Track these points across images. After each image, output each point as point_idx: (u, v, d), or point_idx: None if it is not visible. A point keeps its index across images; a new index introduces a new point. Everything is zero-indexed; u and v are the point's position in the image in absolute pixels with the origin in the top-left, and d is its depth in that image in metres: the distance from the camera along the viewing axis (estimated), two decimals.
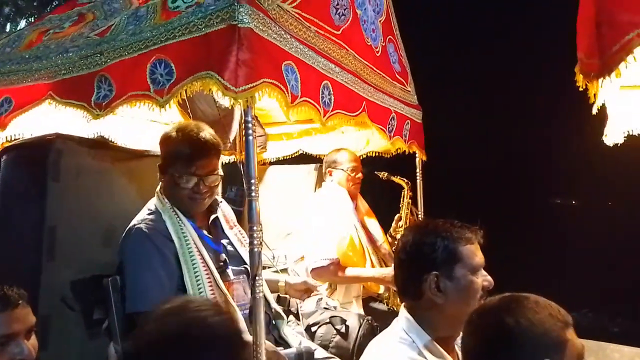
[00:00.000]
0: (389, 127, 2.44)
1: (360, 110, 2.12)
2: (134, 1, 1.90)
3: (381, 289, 2.82)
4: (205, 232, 1.89)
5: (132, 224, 1.79)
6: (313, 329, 2.32)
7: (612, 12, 1.12)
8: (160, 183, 1.90)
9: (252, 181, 1.50)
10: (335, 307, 2.51)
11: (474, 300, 1.29)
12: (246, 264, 1.91)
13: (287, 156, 3.34)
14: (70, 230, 1.91)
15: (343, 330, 2.27)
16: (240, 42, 1.44)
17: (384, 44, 2.45)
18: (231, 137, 2.58)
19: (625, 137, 1.88)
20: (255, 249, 1.50)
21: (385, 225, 3.08)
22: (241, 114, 2.08)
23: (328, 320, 2.32)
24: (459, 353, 1.35)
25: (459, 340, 1.36)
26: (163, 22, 1.62)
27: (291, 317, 2.35)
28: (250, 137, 1.51)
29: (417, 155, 2.92)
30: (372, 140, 3.08)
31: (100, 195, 2.03)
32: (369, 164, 3.09)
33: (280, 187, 3.19)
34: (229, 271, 1.84)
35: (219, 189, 2.18)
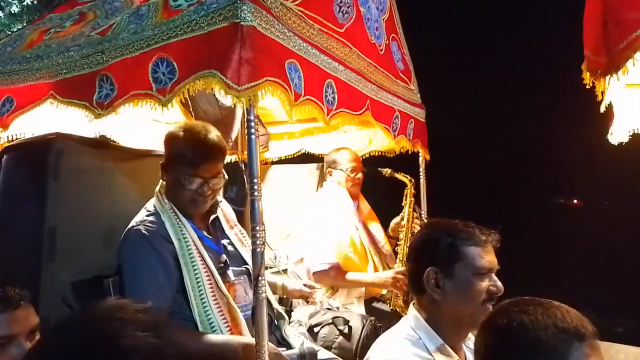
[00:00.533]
0: (393, 126, 2.43)
1: (364, 109, 2.10)
2: (135, 0, 1.89)
3: (383, 290, 2.81)
4: (205, 232, 1.88)
5: (130, 225, 1.78)
6: (315, 329, 2.31)
7: (618, 9, 1.11)
8: (161, 182, 1.89)
9: (255, 180, 1.49)
10: (337, 308, 2.50)
11: (475, 302, 1.28)
12: (247, 264, 1.90)
13: (288, 156, 3.33)
14: (71, 231, 1.89)
15: (346, 331, 2.26)
16: (243, 40, 1.43)
17: (387, 42, 2.44)
18: (233, 137, 2.57)
19: (630, 135, 1.86)
20: (258, 249, 1.49)
21: (387, 225, 3.07)
22: (243, 113, 2.07)
23: (331, 321, 2.31)
24: (467, 354, 1.34)
25: (470, 343, 1.36)
26: (165, 20, 1.61)
27: (294, 317, 2.35)
28: (253, 136, 1.50)
29: (420, 154, 2.91)
30: (375, 139, 3.07)
31: (101, 195, 2.02)
32: (372, 163, 3.07)
33: (282, 187, 3.18)
34: (230, 272, 1.83)
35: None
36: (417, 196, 2.95)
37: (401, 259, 2.78)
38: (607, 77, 1.13)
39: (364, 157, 3.05)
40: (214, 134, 1.82)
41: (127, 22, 1.74)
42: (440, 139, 3.43)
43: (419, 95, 2.85)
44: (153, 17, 1.66)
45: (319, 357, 1.89)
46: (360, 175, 2.88)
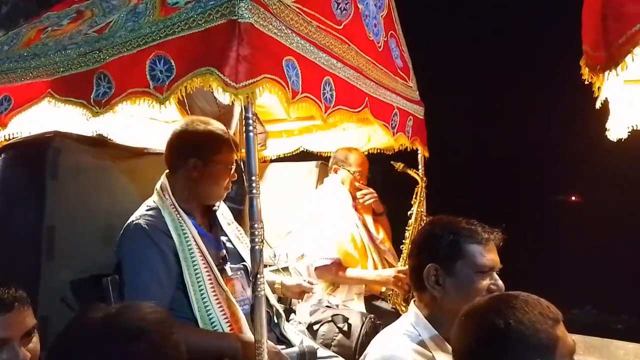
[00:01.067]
0: (392, 124, 2.42)
1: (362, 107, 2.10)
2: None
3: (383, 288, 2.81)
4: (204, 229, 1.88)
5: (129, 220, 1.78)
6: (315, 327, 2.31)
7: (618, 4, 1.11)
8: (162, 179, 1.88)
9: (253, 178, 1.49)
10: (337, 305, 2.50)
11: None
12: (244, 262, 1.90)
13: (287, 153, 3.32)
14: (69, 229, 1.90)
15: (345, 328, 2.26)
16: (241, 37, 1.42)
17: (385, 39, 2.43)
18: (231, 135, 2.57)
19: (629, 132, 1.86)
20: (257, 247, 1.48)
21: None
22: (241, 110, 2.07)
23: (330, 319, 2.31)
24: None
25: None
26: (162, 18, 1.60)
27: (293, 315, 2.35)
28: (251, 134, 1.50)
29: (419, 152, 2.90)
30: (374, 136, 3.06)
31: (99, 193, 2.02)
32: (370, 160, 3.06)
33: (280, 185, 3.18)
34: (227, 267, 1.84)
35: None
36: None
37: (405, 257, 2.78)
38: (606, 73, 1.12)
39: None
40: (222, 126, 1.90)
41: (125, 20, 1.73)
42: (440, 137, 3.42)
43: (417, 92, 2.84)
44: (150, 15, 1.66)
45: (318, 355, 1.89)
46: (363, 181, 2.88)
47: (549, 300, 1.02)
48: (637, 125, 1.86)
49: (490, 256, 1.31)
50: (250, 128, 1.50)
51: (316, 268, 2.60)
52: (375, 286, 2.76)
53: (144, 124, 2.61)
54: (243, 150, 1.58)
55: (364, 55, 2.14)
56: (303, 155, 3.37)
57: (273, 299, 2.01)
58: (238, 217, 2.24)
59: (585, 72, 1.22)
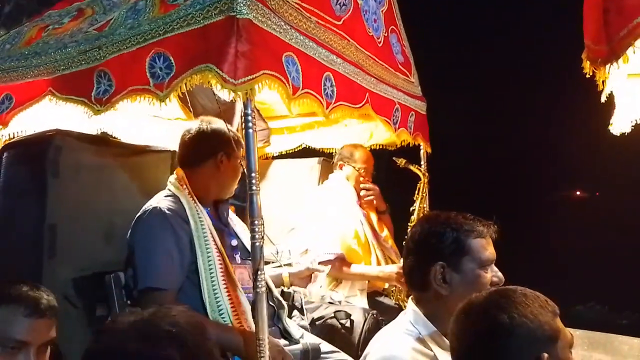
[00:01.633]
0: (393, 119, 2.41)
1: (363, 102, 2.09)
2: None
3: (385, 284, 2.81)
4: (216, 220, 1.95)
5: (149, 204, 1.82)
6: (317, 323, 2.31)
7: None
8: (179, 173, 1.91)
9: (253, 175, 1.49)
10: (339, 302, 2.50)
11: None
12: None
13: (289, 150, 3.32)
14: (71, 227, 1.90)
15: (348, 324, 2.26)
16: (239, 33, 1.42)
17: (386, 35, 2.42)
18: (232, 133, 2.56)
19: (632, 126, 1.84)
20: (257, 243, 1.49)
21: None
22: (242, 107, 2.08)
23: (333, 315, 2.31)
24: None
25: None
26: (161, 15, 1.60)
27: (295, 311, 2.35)
28: (250, 131, 1.50)
29: (421, 147, 2.89)
30: (376, 132, 3.05)
31: (100, 191, 2.03)
32: (376, 156, 3.05)
33: (283, 182, 3.17)
34: (237, 256, 1.90)
35: None
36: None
37: None
38: (608, 66, 1.11)
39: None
40: None
41: (124, 17, 1.73)
42: (441, 135, 3.41)
43: (419, 87, 2.82)
44: (150, 12, 1.66)
45: (321, 350, 1.90)
46: (368, 178, 2.88)
47: (553, 296, 1.02)
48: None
49: (490, 249, 1.31)
50: (250, 125, 1.49)
51: (319, 263, 2.60)
52: (377, 283, 2.76)
53: (147, 121, 2.61)
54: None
55: (363, 50, 2.13)
56: (305, 152, 3.36)
57: (277, 293, 2.03)
58: (242, 214, 2.25)
59: (587, 65, 1.21)
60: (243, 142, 2.01)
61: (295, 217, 2.91)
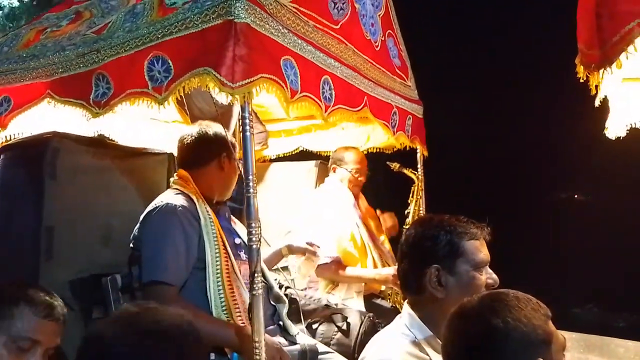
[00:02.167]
0: (391, 122, 2.43)
1: (362, 106, 2.10)
2: None
3: (383, 286, 2.81)
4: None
5: (160, 200, 1.84)
6: (314, 326, 2.31)
7: (612, 2, 1.11)
8: (182, 174, 1.93)
9: (250, 177, 1.50)
10: (336, 304, 2.50)
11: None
12: None
13: (287, 153, 3.32)
14: (68, 230, 1.90)
15: (344, 327, 2.26)
16: (237, 37, 1.43)
17: (383, 39, 2.43)
18: (230, 136, 2.57)
19: (627, 130, 1.85)
20: (254, 246, 1.49)
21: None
22: (239, 110, 2.09)
23: (329, 318, 2.32)
24: None
25: None
26: (159, 18, 1.61)
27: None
28: (248, 134, 1.50)
29: (418, 150, 2.90)
30: (373, 136, 3.06)
31: (98, 193, 2.03)
32: (370, 160, 3.07)
33: (280, 185, 3.18)
34: (242, 253, 1.92)
35: None
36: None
37: None
38: (601, 71, 1.13)
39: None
40: None
41: (123, 20, 1.74)
42: (438, 136, 3.42)
43: (416, 91, 2.84)
44: (148, 16, 1.66)
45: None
46: (362, 178, 2.88)
47: (550, 298, 1.03)
48: (635, 124, 1.85)
49: (484, 251, 1.31)
50: (247, 128, 1.50)
51: (317, 266, 2.61)
52: (374, 285, 2.77)
53: (144, 123, 2.62)
54: (242, 150, 1.59)
55: (361, 54, 2.14)
56: (302, 155, 3.37)
57: (277, 289, 2.04)
58: (239, 216, 2.25)
59: (580, 70, 1.23)
60: (237, 145, 2.05)
61: (292, 220, 2.92)
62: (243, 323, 1.72)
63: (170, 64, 1.53)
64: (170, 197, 1.85)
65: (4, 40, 2.15)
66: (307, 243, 2.27)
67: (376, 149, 3.10)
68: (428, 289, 1.28)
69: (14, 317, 1.17)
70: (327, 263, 2.59)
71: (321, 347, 1.98)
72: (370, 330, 2.24)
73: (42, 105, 1.87)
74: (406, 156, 2.91)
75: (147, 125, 2.64)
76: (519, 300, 0.97)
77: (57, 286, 1.82)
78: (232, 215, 2.11)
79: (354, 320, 2.29)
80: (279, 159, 3.35)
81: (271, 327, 1.90)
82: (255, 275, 1.47)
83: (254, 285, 1.47)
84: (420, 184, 2.90)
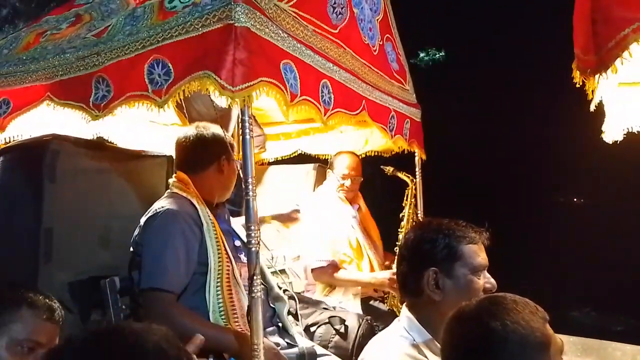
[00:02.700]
0: (389, 126, 2.44)
1: (360, 109, 2.11)
2: (131, 2, 1.90)
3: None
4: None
5: (160, 206, 1.83)
6: (312, 329, 2.32)
7: (607, 8, 1.12)
8: (181, 176, 1.92)
9: (250, 180, 1.50)
10: (334, 307, 2.51)
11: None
12: None
13: (285, 156, 3.33)
14: (67, 232, 1.90)
15: (342, 330, 2.27)
16: (237, 41, 1.44)
17: (381, 43, 2.45)
18: (228, 137, 2.58)
19: (624, 134, 1.87)
20: (253, 249, 1.49)
21: (383, 225, 3.07)
22: (238, 113, 2.10)
23: (327, 320, 2.33)
24: None
25: None
26: (160, 22, 1.62)
27: (290, 317, 2.36)
28: (248, 137, 1.51)
29: (416, 154, 2.92)
30: (371, 139, 3.07)
31: (97, 196, 2.03)
32: (368, 163, 3.08)
33: (279, 187, 3.19)
34: (242, 255, 1.92)
35: None
36: (414, 196, 2.95)
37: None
38: (597, 76, 1.14)
39: (361, 157, 3.05)
40: None
41: (123, 23, 1.74)
42: (437, 138, 3.43)
43: (414, 95, 2.86)
44: (148, 19, 1.67)
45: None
46: (350, 183, 2.86)
47: (547, 302, 1.03)
48: (632, 128, 1.87)
49: (483, 255, 1.32)
50: (247, 131, 1.51)
51: (312, 270, 2.62)
52: (370, 288, 2.78)
53: (143, 126, 2.63)
54: (241, 153, 1.60)
55: (359, 58, 2.16)
56: (301, 158, 3.38)
57: (277, 290, 2.05)
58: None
59: (577, 75, 1.24)
60: (236, 145, 2.06)
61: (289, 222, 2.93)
62: (240, 328, 1.72)
63: (171, 67, 1.54)
64: (170, 202, 1.84)
65: (4, 42, 2.15)
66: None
67: (374, 152, 3.11)
68: (426, 292, 1.29)
69: (15, 319, 1.18)
70: (323, 267, 2.61)
71: (319, 350, 1.99)
72: (368, 333, 2.25)
73: (41, 107, 1.88)
74: (404, 160, 2.92)
75: (146, 128, 2.64)
76: (517, 303, 0.98)
77: (56, 288, 1.83)
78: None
79: (352, 323, 2.30)
80: (277, 161, 3.36)
81: (270, 328, 1.90)
82: (254, 278, 1.48)
83: (253, 288, 1.48)
84: (414, 187, 2.92)
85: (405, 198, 2.93)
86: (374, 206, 3.16)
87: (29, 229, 1.88)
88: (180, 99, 1.58)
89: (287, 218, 2.34)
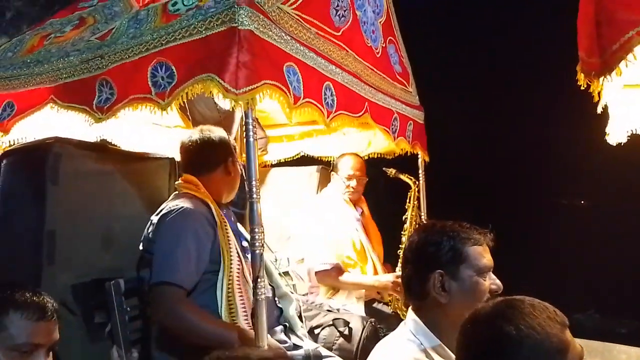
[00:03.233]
0: (392, 128, 2.44)
1: (363, 111, 2.12)
2: (134, 4, 1.90)
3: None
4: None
5: (175, 204, 1.83)
6: (316, 331, 2.32)
7: (611, 11, 1.12)
8: (189, 178, 1.93)
9: (254, 183, 1.51)
10: (337, 309, 2.51)
11: (480, 302, 1.27)
12: None
13: (288, 158, 3.33)
14: (70, 234, 1.91)
15: (346, 332, 2.27)
16: (241, 44, 1.44)
17: (384, 45, 2.45)
18: (231, 140, 2.59)
19: (628, 136, 1.86)
20: (257, 251, 1.50)
21: (386, 228, 3.07)
22: (242, 115, 2.11)
23: (331, 323, 2.32)
24: None
25: None
26: (163, 25, 1.63)
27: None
28: (251, 139, 1.52)
29: (419, 156, 2.91)
30: (374, 141, 3.07)
31: (99, 198, 2.03)
32: (371, 165, 3.08)
33: (281, 189, 3.19)
34: (249, 255, 1.90)
35: None
36: (417, 198, 2.95)
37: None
38: (601, 79, 1.14)
39: (364, 159, 3.05)
40: None
41: (127, 26, 1.75)
42: (439, 139, 3.42)
43: (417, 97, 2.86)
44: (152, 22, 1.68)
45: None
46: (355, 184, 2.86)
47: (551, 304, 0.99)
48: (636, 130, 1.86)
49: (488, 256, 1.31)
50: (251, 133, 1.51)
51: (316, 272, 2.62)
52: (374, 291, 2.77)
53: (146, 128, 2.63)
54: (244, 155, 1.60)
55: (362, 61, 2.16)
56: (304, 160, 3.38)
57: (285, 288, 2.06)
58: (240, 221, 2.26)
59: (581, 78, 1.24)
60: (238, 147, 2.07)
61: (293, 225, 2.93)
62: (250, 326, 1.73)
63: (174, 70, 1.55)
64: (184, 200, 1.85)
65: (8, 45, 2.16)
66: None
67: (377, 154, 3.11)
68: (431, 295, 1.28)
69: (6, 326, 1.14)
70: (327, 269, 2.60)
71: (323, 352, 1.99)
72: (372, 336, 2.25)
73: (45, 110, 1.88)
74: (407, 162, 2.92)
75: (149, 130, 2.65)
76: (534, 307, 0.95)
77: (59, 290, 1.84)
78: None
79: (356, 325, 2.30)
80: (280, 163, 3.36)
81: (277, 327, 1.91)
82: (259, 280, 1.48)
83: (257, 291, 1.48)
84: (416, 189, 2.91)
85: (408, 200, 2.92)
86: (377, 208, 3.16)
87: (32, 231, 1.88)
88: (184, 102, 1.58)
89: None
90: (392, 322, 2.53)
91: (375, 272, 2.75)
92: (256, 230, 1.50)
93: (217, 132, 2.01)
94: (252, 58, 1.45)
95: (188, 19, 1.55)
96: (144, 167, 2.26)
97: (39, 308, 1.18)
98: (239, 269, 1.80)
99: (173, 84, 1.54)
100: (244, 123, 1.54)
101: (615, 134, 1.84)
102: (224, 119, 2.46)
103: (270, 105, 2.61)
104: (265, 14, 1.54)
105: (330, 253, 2.62)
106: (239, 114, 2.50)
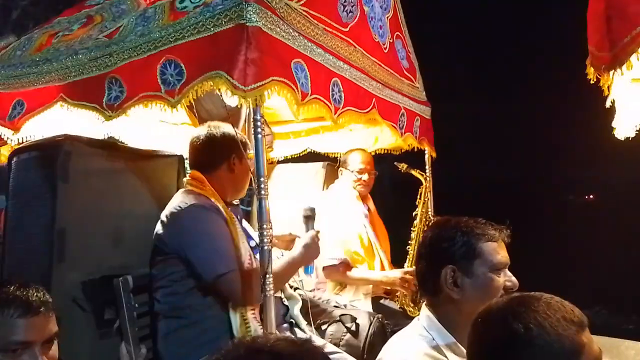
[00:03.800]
0: (399, 124, 2.44)
1: (370, 107, 2.12)
2: (141, 2, 1.91)
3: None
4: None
5: (184, 202, 1.82)
6: (323, 327, 2.32)
7: (622, 4, 1.11)
8: (196, 176, 1.93)
9: (262, 179, 1.51)
10: (345, 305, 2.51)
11: (493, 299, 1.26)
12: None
13: (294, 155, 3.34)
14: (80, 232, 1.91)
15: (353, 328, 2.27)
16: (249, 41, 1.45)
17: (391, 41, 2.45)
18: (242, 136, 2.59)
19: (637, 130, 1.85)
20: (266, 247, 1.50)
21: (394, 224, 3.07)
22: (248, 112, 2.11)
23: (338, 319, 2.32)
24: None
25: None
26: (171, 22, 1.63)
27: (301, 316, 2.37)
28: (259, 136, 1.52)
29: (426, 152, 2.91)
30: (381, 137, 3.07)
31: (109, 195, 2.04)
32: (378, 161, 3.07)
33: (287, 186, 3.19)
34: (257, 255, 1.91)
35: None
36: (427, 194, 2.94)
37: (411, 259, 2.79)
38: (611, 72, 1.13)
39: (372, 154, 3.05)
40: None
41: (134, 24, 1.76)
42: (447, 137, 3.42)
43: (424, 93, 2.85)
44: (160, 19, 1.68)
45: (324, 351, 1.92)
46: (367, 177, 2.87)
47: None
48: None
49: (503, 253, 1.29)
50: (259, 130, 1.52)
51: (324, 268, 2.63)
52: (381, 287, 2.78)
53: (153, 126, 2.64)
54: (251, 152, 1.61)
55: (369, 57, 2.16)
56: (310, 156, 3.38)
57: (289, 289, 2.06)
58: (247, 218, 2.27)
59: (591, 71, 1.23)
60: (249, 143, 2.06)
61: (299, 222, 2.93)
62: (257, 320, 1.74)
63: (183, 67, 1.55)
64: (190, 198, 1.84)
65: (17, 44, 2.18)
66: (290, 234, 2.30)
67: (384, 150, 3.11)
68: (444, 290, 1.27)
69: None
70: (334, 265, 2.61)
71: (331, 348, 2.00)
72: (380, 332, 2.25)
73: (54, 108, 1.90)
74: (415, 157, 2.91)
75: (156, 127, 2.66)
76: (549, 306, 0.91)
77: (69, 287, 1.85)
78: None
79: (363, 321, 2.30)
80: (286, 160, 3.36)
81: (283, 325, 1.92)
82: (267, 276, 1.49)
83: (266, 287, 1.49)
84: (427, 185, 2.90)
85: (418, 196, 2.91)
86: (383, 205, 3.16)
87: (43, 228, 1.89)
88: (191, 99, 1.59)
89: (283, 244, 2.31)
90: (399, 318, 2.53)
91: (383, 268, 2.76)
92: (265, 226, 1.50)
93: (222, 129, 1.98)
94: (260, 55, 1.46)
95: (196, 16, 1.55)
96: (153, 164, 2.27)
97: (24, 304, 1.13)
98: (249, 258, 1.79)
99: (182, 81, 1.55)
100: (251, 120, 1.54)
101: (623, 129, 1.82)
102: (232, 116, 2.47)
103: (277, 102, 2.62)
104: (273, 10, 1.54)
105: (338, 248, 2.62)
106: (245, 111, 2.51)
